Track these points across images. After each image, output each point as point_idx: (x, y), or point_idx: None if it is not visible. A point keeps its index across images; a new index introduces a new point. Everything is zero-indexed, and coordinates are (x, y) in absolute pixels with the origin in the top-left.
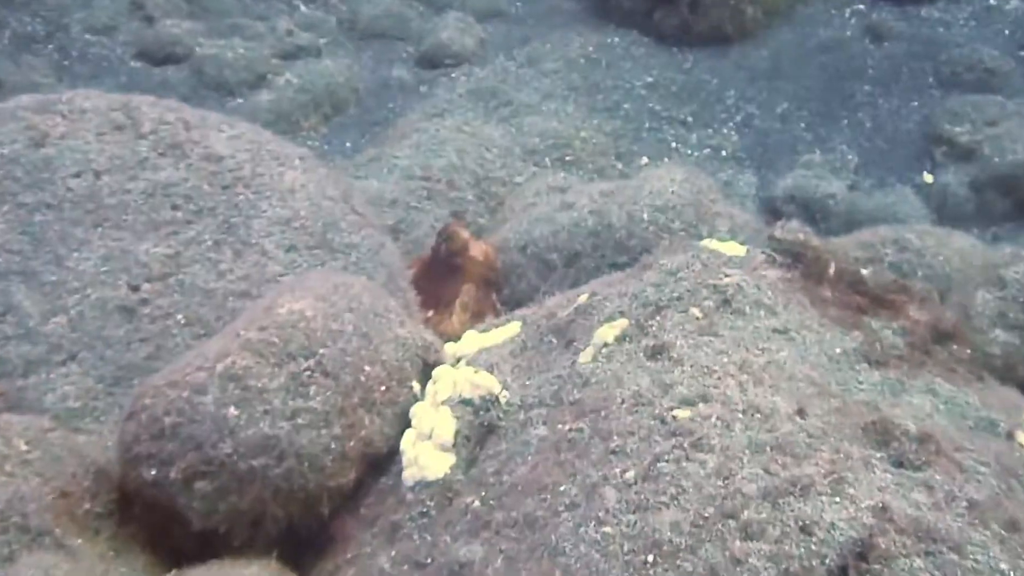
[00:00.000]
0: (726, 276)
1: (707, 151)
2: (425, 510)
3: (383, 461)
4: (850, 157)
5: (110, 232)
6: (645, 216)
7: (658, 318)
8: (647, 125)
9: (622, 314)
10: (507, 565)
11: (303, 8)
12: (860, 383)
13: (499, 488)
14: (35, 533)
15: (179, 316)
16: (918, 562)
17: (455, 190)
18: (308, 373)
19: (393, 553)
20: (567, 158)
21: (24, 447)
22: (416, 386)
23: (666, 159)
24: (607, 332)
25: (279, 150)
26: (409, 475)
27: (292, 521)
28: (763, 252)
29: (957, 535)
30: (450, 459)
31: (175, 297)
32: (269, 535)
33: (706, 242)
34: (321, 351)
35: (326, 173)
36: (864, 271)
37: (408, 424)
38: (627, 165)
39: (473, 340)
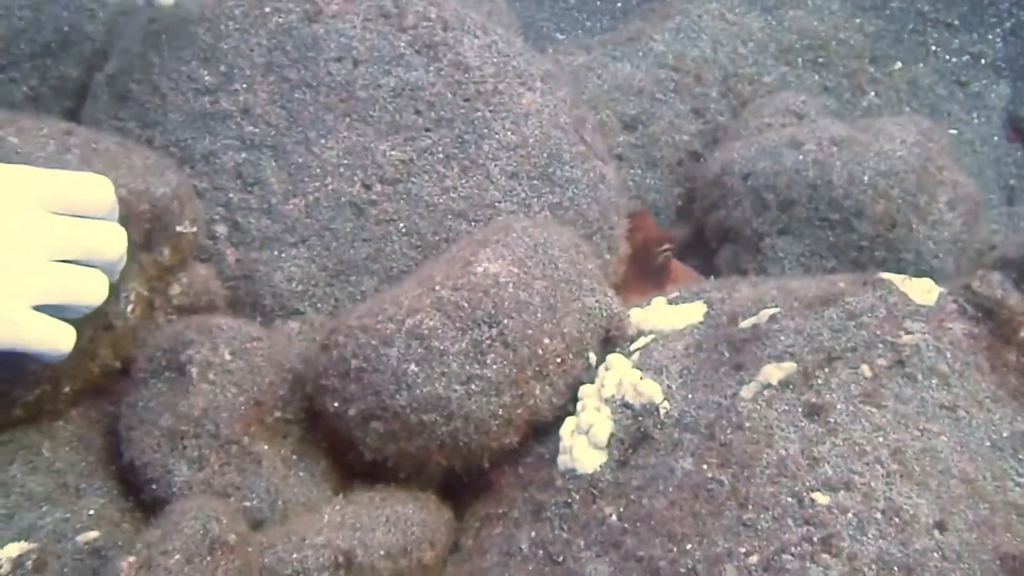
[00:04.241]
0: (906, 333)
1: (966, 58)
2: (570, 501)
3: (549, 427)
4: None
5: (356, 125)
6: (866, 179)
7: (826, 370)
8: (910, 27)
9: (792, 356)
10: None
11: None
12: (1020, 477)
13: (636, 509)
14: (224, 441)
15: (401, 224)
16: None
17: (701, 85)
18: (489, 342)
19: (533, 534)
20: (819, 59)
21: (228, 356)
22: (592, 358)
23: (921, 64)
24: (773, 373)
25: (524, 67)
26: (562, 461)
27: (454, 469)
28: (955, 301)
29: None
30: (602, 457)
31: (401, 204)
32: (432, 475)
33: (900, 280)
34: (505, 321)
35: (563, 95)
36: None
37: (577, 394)
38: (879, 70)
39: (660, 312)
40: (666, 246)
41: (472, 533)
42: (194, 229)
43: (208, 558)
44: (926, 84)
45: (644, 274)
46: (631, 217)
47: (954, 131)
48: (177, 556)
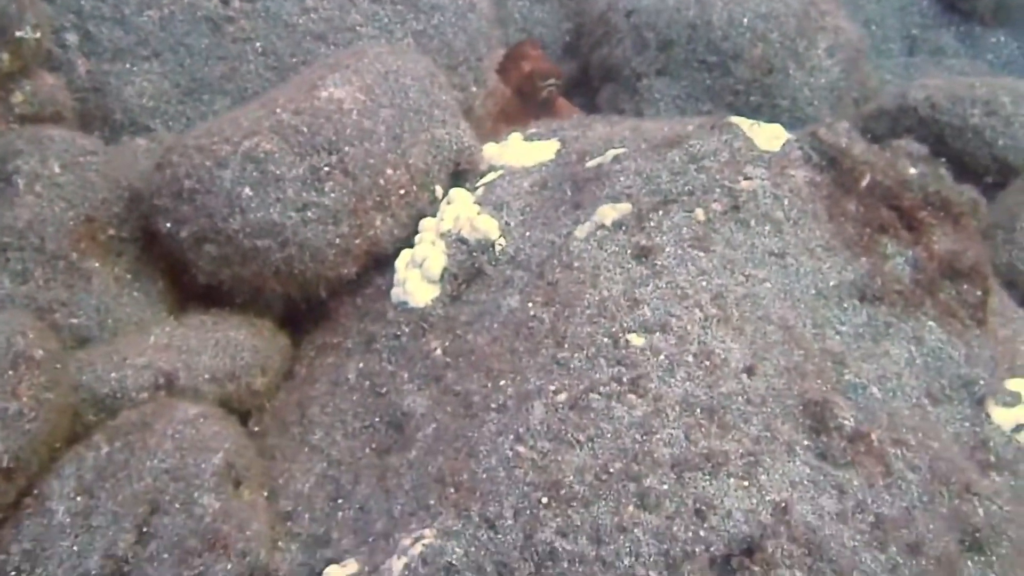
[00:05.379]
0: (745, 179)
1: None
2: (399, 334)
3: (391, 259)
4: None
5: None
6: (745, 21)
7: (660, 212)
8: None
9: (628, 197)
10: (434, 437)
11: None
12: (840, 325)
13: (461, 344)
14: (50, 255)
15: (258, 43)
16: None
17: None
18: (327, 169)
19: (361, 365)
20: None
21: (58, 169)
22: (439, 191)
23: None
24: (608, 213)
25: None
26: (395, 294)
27: (290, 296)
28: (800, 148)
29: (847, 558)
30: (434, 291)
31: (259, 22)
32: (270, 302)
33: (747, 125)
34: (346, 148)
35: None
36: (912, 170)
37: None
38: None
39: (514, 148)
40: (552, 80)
41: (307, 361)
42: (37, 35)
43: (10, 372)
44: None
45: (527, 107)
46: (518, 46)
47: None
48: None
